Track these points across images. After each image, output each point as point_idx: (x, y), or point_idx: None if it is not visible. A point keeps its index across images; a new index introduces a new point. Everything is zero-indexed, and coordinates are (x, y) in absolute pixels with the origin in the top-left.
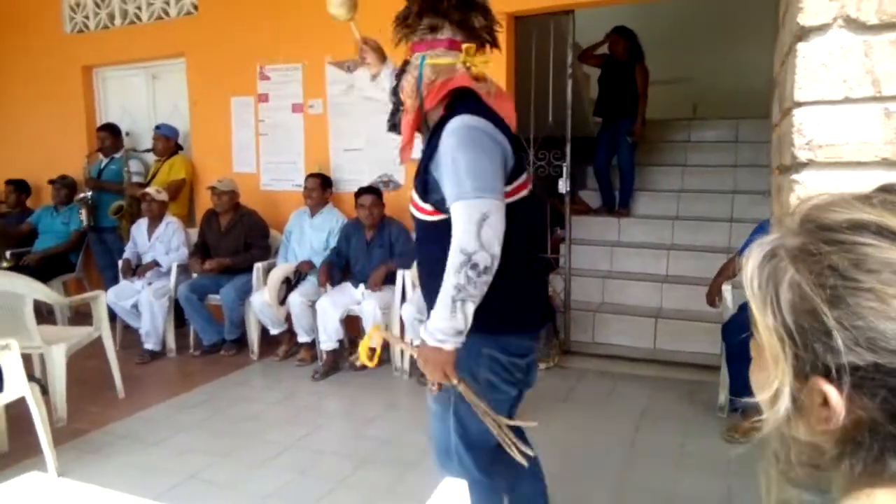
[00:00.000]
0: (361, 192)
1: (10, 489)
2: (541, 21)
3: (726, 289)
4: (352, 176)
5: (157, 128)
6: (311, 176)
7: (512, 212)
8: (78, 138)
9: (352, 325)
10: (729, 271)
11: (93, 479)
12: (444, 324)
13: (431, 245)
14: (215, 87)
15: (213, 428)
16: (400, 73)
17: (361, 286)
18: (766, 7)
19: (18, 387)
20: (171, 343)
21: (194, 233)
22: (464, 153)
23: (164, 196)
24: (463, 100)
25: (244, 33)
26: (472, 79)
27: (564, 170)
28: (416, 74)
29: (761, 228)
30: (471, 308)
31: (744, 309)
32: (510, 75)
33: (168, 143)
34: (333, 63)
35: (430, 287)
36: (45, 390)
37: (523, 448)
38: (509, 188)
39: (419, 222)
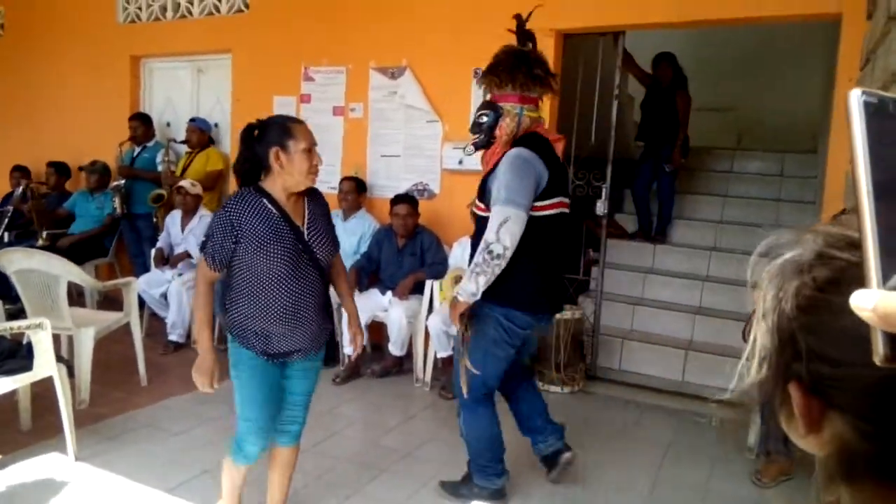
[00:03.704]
0: (398, 199)
1: (30, 470)
2: (589, 40)
3: None
4: (387, 182)
5: (192, 120)
6: (346, 179)
7: (538, 222)
8: (120, 126)
9: (376, 332)
10: None
11: (109, 465)
12: (464, 284)
13: (482, 234)
14: (259, 84)
15: (232, 424)
16: (489, 113)
17: (389, 293)
18: (814, 42)
19: (47, 366)
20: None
21: None
22: (508, 173)
23: (198, 189)
24: (528, 137)
25: (292, 34)
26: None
27: (604, 191)
28: (517, 121)
29: None
30: (482, 280)
31: None
32: (556, 92)
33: (203, 136)
34: (377, 68)
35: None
36: (71, 372)
37: (464, 391)
38: (539, 204)
39: (478, 218)
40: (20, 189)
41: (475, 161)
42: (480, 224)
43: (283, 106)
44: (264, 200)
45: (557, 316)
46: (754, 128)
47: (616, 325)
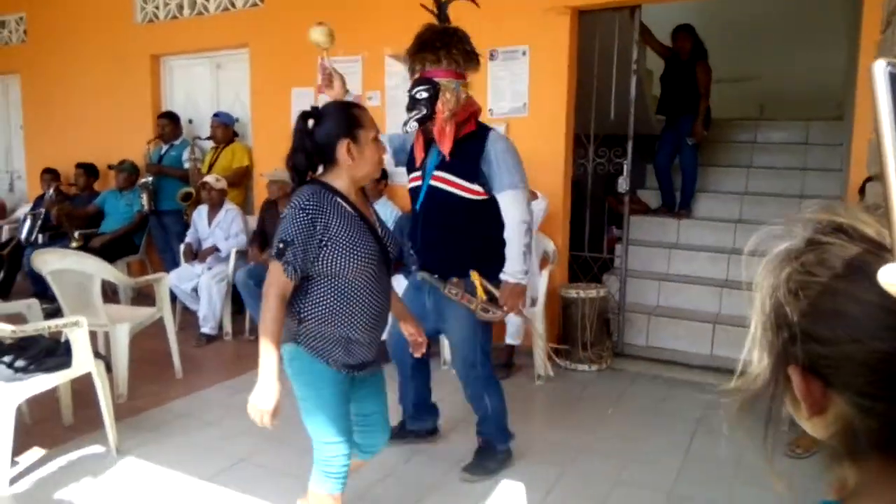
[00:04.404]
0: None
1: (74, 463)
2: (605, 16)
3: None
4: None
5: (216, 115)
6: None
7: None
8: (144, 125)
9: None
10: None
11: (150, 456)
12: (521, 267)
13: (469, 216)
14: (277, 77)
15: None
16: (428, 88)
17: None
18: (837, 6)
19: (85, 363)
20: (228, 327)
21: (252, 220)
22: (511, 156)
23: (223, 184)
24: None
25: (307, 25)
26: None
27: (625, 168)
28: (457, 95)
29: None
30: (527, 257)
31: None
32: (572, 70)
33: (227, 130)
34: (392, 55)
35: (453, 245)
36: (108, 367)
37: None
38: None
39: (461, 200)
40: (50, 191)
41: None
42: (463, 206)
43: (301, 97)
44: (338, 198)
45: (583, 294)
46: (777, 97)
47: (642, 301)
